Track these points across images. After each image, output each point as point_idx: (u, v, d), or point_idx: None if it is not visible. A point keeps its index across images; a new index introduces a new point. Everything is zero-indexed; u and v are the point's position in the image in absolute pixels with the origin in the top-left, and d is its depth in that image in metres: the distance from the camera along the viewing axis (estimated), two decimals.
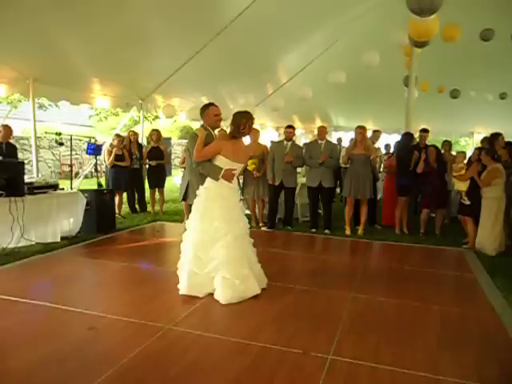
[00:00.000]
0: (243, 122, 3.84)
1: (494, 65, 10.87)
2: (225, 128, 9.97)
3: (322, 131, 7.12)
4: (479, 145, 8.13)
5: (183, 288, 3.78)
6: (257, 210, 7.50)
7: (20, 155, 14.80)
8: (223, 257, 3.70)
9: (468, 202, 6.15)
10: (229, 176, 3.86)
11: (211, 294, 3.74)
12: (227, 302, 3.60)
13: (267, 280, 4.08)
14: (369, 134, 7.75)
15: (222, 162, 3.84)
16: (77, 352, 2.80)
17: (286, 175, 6.98)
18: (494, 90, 11.52)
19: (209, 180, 3.89)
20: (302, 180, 7.80)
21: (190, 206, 4.07)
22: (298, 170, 8.06)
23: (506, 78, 11.07)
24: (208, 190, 3.87)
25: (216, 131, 4.33)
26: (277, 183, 6.97)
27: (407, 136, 7.27)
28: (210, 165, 3.88)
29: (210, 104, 4.24)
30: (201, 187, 3.92)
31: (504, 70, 10.91)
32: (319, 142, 7.04)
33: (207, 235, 3.77)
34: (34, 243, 5.49)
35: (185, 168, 7.31)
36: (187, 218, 4.08)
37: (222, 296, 3.63)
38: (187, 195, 4.49)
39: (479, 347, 3.06)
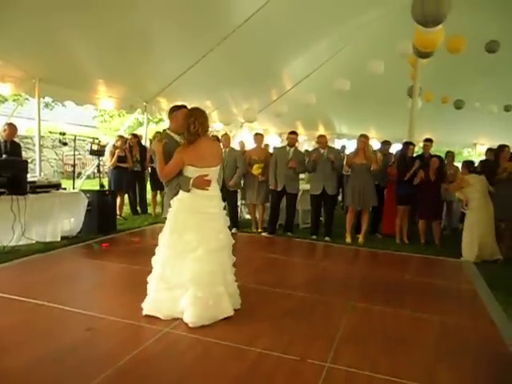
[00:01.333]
0: (191, 120, 3.38)
1: (500, 76, 10.90)
2: (228, 132, 10.05)
3: (323, 140, 7.10)
4: (483, 156, 8.13)
5: (146, 307, 3.40)
6: (257, 215, 7.49)
7: (23, 154, 14.85)
8: (194, 273, 3.28)
9: (465, 211, 6.25)
10: (202, 183, 3.42)
11: (175, 319, 3.32)
12: (195, 325, 3.19)
13: (241, 301, 3.66)
14: (378, 144, 7.74)
15: (189, 171, 3.42)
16: (74, 352, 2.80)
17: (288, 181, 6.98)
18: (498, 101, 11.54)
19: (181, 191, 3.48)
20: (304, 186, 7.80)
21: (166, 219, 3.61)
22: (301, 176, 8.08)
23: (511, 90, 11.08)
24: (180, 201, 3.45)
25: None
26: (279, 189, 6.96)
27: (404, 145, 7.29)
28: (179, 177, 3.48)
29: (180, 106, 3.70)
30: (174, 198, 3.49)
31: (509, 82, 10.93)
32: (320, 150, 7.03)
33: (176, 249, 3.37)
34: (34, 242, 5.50)
35: None
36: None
37: (191, 317, 3.21)
38: (164, 208, 3.96)
39: (477, 359, 3.05)
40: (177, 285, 3.33)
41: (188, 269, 3.31)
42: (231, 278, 3.60)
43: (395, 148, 8.96)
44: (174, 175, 3.49)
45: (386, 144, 8.07)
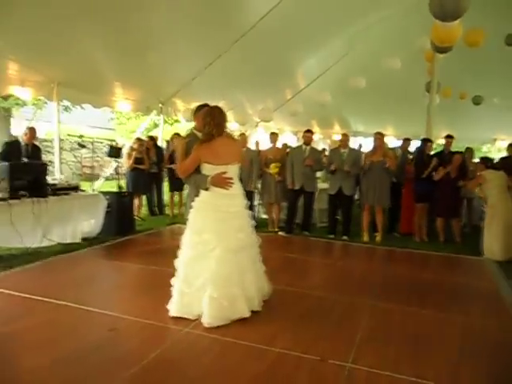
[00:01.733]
0: (207, 121, 3.40)
1: None
2: (243, 131, 10.05)
3: (345, 139, 7.06)
4: (503, 152, 7.97)
5: (173, 309, 3.40)
6: (273, 215, 7.48)
7: (43, 157, 15.14)
8: (211, 273, 3.29)
9: (484, 209, 6.14)
10: (220, 181, 3.40)
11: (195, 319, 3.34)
12: (210, 326, 3.20)
13: (262, 302, 3.61)
14: (398, 142, 7.61)
15: (206, 169, 3.43)
16: (98, 351, 2.84)
17: (306, 179, 6.97)
18: None
19: (202, 190, 3.48)
20: (321, 185, 7.76)
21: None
22: (318, 174, 8.04)
23: None
24: (200, 201, 3.47)
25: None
26: (297, 187, 6.94)
27: (422, 142, 7.18)
28: (196, 175, 3.49)
29: (205, 105, 3.73)
30: (196, 199, 3.51)
31: None
32: (341, 150, 6.98)
33: (196, 249, 3.39)
34: (55, 243, 5.59)
35: None
36: None
37: (207, 318, 3.23)
38: (186, 209, 3.94)
39: (502, 361, 2.99)
40: (198, 286, 3.33)
41: (205, 269, 3.32)
42: (251, 279, 3.51)
43: (414, 145, 8.82)
44: (191, 172, 3.50)
45: (406, 141, 7.96)
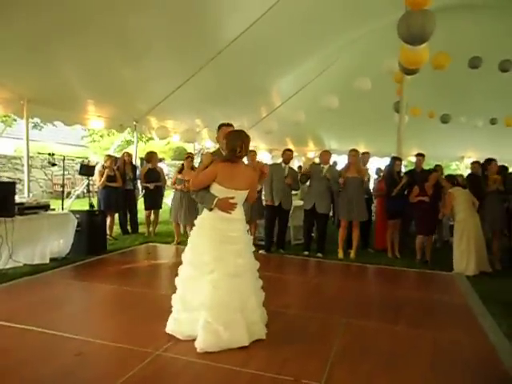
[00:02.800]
0: (239, 144, 3.36)
1: (484, 91, 11.17)
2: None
3: (325, 156, 7.11)
4: (469, 169, 8.22)
5: (168, 326, 3.41)
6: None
7: (12, 174, 14.75)
8: (207, 297, 3.22)
9: (452, 223, 6.29)
10: (225, 205, 3.35)
11: (185, 341, 3.25)
12: (203, 351, 3.08)
13: (266, 331, 3.46)
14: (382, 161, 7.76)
15: (216, 189, 3.37)
16: (64, 378, 2.73)
17: (284, 197, 7.01)
18: (484, 115, 11.78)
19: (205, 209, 3.47)
20: (296, 202, 7.80)
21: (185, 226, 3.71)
22: (293, 192, 8.10)
23: (496, 105, 11.35)
24: (202, 219, 3.47)
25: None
26: (276, 204, 6.96)
27: (392, 160, 7.35)
28: (205, 192, 3.43)
29: (222, 125, 3.81)
30: (198, 217, 3.53)
31: (493, 97, 11.20)
32: (321, 166, 7.04)
33: (195, 269, 3.35)
34: (22, 265, 5.39)
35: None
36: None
37: (199, 343, 3.12)
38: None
39: (473, 375, 3.03)
40: (196, 307, 3.28)
41: (203, 292, 3.25)
42: (253, 305, 3.43)
43: (384, 164, 9.02)
44: (203, 186, 3.45)
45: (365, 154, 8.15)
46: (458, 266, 6.03)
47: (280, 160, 7.46)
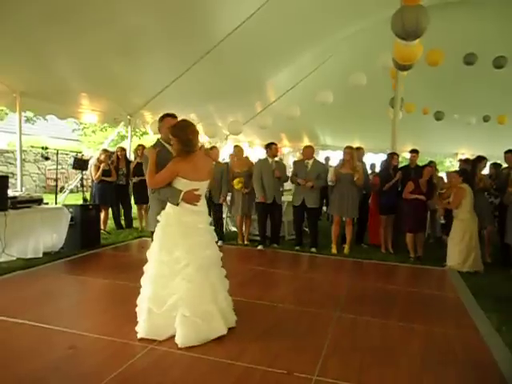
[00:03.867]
0: (188, 132, 3.32)
1: (477, 88, 11.21)
2: (208, 145, 10.06)
3: (308, 151, 7.12)
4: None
5: (141, 330, 3.23)
6: (243, 227, 7.47)
7: (4, 168, 14.64)
8: (183, 292, 3.20)
9: (443, 221, 6.28)
10: (191, 198, 3.35)
11: (173, 337, 3.19)
12: (184, 346, 3.09)
13: (236, 318, 3.56)
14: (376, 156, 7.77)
15: (180, 183, 3.35)
16: (57, 372, 2.73)
17: (277, 192, 7.02)
18: (477, 112, 11.84)
19: (169, 204, 3.40)
20: (288, 197, 7.82)
21: (152, 233, 3.54)
22: (287, 187, 8.11)
23: (489, 102, 11.41)
24: (167, 215, 3.38)
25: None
26: (269, 201, 6.96)
27: (389, 155, 7.37)
28: (168, 188, 3.39)
29: (166, 115, 3.74)
30: (162, 213, 3.42)
31: (487, 94, 11.26)
32: (305, 161, 7.06)
33: (167, 267, 3.27)
34: (15, 259, 5.37)
35: None
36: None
37: (180, 338, 3.12)
38: (147, 221, 3.87)
39: (463, 368, 3.06)
40: (170, 306, 3.22)
41: (177, 288, 3.23)
42: (223, 294, 3.49)
43: (378, 160, 9.07)
44: (164, 185, 3.40)
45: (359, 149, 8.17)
46: (454, 262, 6.00)
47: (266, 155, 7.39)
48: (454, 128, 12.68)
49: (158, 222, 3.41)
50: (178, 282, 3.23)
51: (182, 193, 3.33)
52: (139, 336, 3.22)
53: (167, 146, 3.63)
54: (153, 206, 3.67)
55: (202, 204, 3.49)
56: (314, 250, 6.90)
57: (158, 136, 3.97)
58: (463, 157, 12.24)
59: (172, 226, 3.35)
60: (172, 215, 3.37)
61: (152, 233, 3.53)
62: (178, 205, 3.35)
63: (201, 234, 3.41)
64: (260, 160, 7.45)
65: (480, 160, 6.96)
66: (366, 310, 4.19)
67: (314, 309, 4.14)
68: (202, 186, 3.45)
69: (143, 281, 3.39)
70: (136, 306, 3.43)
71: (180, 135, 3.31)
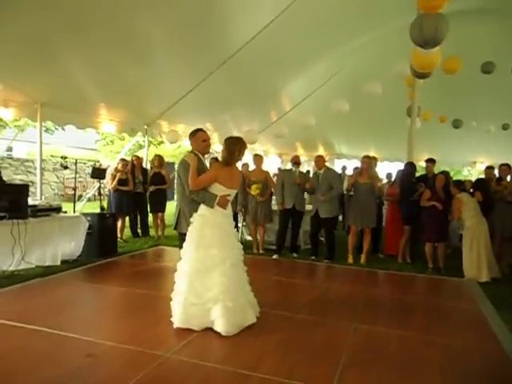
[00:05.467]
0: (237, 148, 3.86)
1: (496, 96, 11.06)
2: (216, 155, 10.11)
3: (318, 161, 7.09)
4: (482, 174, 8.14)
5: (178, 320, 3.60)
6: (258, 236, 7.45)
7: (24, 177, 14.95)
8: (222, 286, 3.58)
9: (461, 232, 6.20)
10: (224, 203, 3.83)
11: (208, 329, 3.55)
12: (227, 334, 3.47)
13: (259, 309, 3.96)
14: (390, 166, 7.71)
15: (217, 189, 3.82)
16: (74, 380, 2.75)
17: (297, 199, 7.01)
18: (495, 120, 11.66)
19: (203, 207, 3.82)
20: (306, 207, 7.79)
21: (182, 234, 3.98)
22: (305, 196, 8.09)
23: (508, 110, 11.23)
24: (203, 217, 3.79)
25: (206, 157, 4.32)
26: (289, 206, 6.95)
27: (410, 165, 7.28)
28: (205, 192, 3.83)
29: (199, 130, 4.23)
30: (195, 215, 3.82)
31: (506, 102, 11.09)
32: (317, 172, 7.06)
33: (203, 264, 3.65)
34: (34, 266, 5.44)
35: None
36: (181, 247, 3.89)
37: (223, 326, 3.48)
38: (179, 223, 4.16)
39: (484, 382, 2.98)
40: (208, 298, 3.56)
41: (217, 282, 3.58)
42: (248, 288, 3.92)
43: (394, 169, 8.97)
44: (202, 187, 3.82)
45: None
46: (469, 273, 5.93)
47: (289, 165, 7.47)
48: (472, 136, 12.49)
49: (190, 223, 3.80)
50: (217, 278, 3.60)
51: (218, 197, 3.78)
52: (175, 326, 3.57)
53: (201, 156, 4.11)
54: (184, 209, 4.03)
55: (229, 208, 3.97)
56: (327, 261, 6.81)
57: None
58: (483, 165, 12.07)
59: (209, 226, 3.76)
60: (208, 217, 3.79)
61: (180, 234, 4.03)
62: (213, 207, 3.79)
63: (230, 234, 3.90)
64: (284, 170, 7.51)
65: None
66: (383, 321, 4.12)
67: (331, 319, 4.09)
68: (233, 194, 3.96)
69: (177, 276, 3.78)
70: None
71: (230, 147, 3.86)
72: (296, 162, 7.23)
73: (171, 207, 9.21)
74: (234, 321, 3.53)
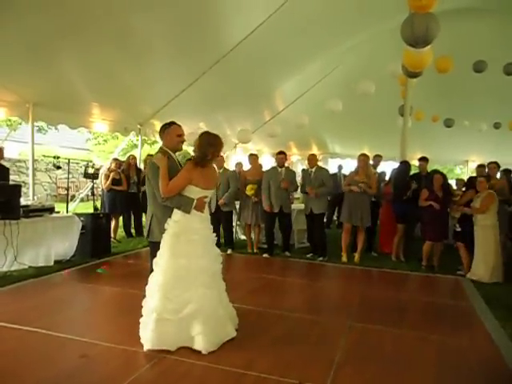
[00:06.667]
0: (211, 151, 3.41)
1: (487, 95, 11.15)
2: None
3: (310, 160, 7.14)
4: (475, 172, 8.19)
5: (149, 340, 3.14)
6: (252, 236, 7.46)
7: (17, 177, 14.80)
8: (203, 298, 3.23)
9: (459, 229, 6.18)
10: (201, 206, 3.41)
11: (183, 348, 3.19)
12: (207, 352, 3.13)
13: (238, 320, 3.65)
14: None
15: (193, 191, 3.39)
16: (69, 380, 2.74)
17: (284, 201, 7.00)
18: (487, 119, 11.75)
19: (178, 212, 3.38)
20: (299, 206, 7.80)
21: (154, 243, 3.50)
22: (296, 195, 8.10)
23: (500, 108, 11.32)
24: (178, 223, 3.36)
25: (178, 154, 3.77)
26: (276, 210, 6.94)
27: (404, 164, 7.32)
28: (180, 197, 3.38)
29: (172, 123, 3.69)
30: (168, 220, 3.38)
31: (498, 101, 11.18)
32: (309, 170, 7.09)
33: (179, 275, 3.25)
34: (27, 267, 5.41)
35: None
36: (152, 257, 3.44)
37: (204, 344, 3.14)
38: (151, 231, 3.60)
39: (478, 380, 3.01)
40: (186, 313, 3.20)
41: (195, 295, 3.24)
42: (226, 299, 3.59)
43: (388, 167, 9.02)
44: (177, 192, 3.38)
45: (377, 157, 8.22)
46: (481, 271, 5.74)
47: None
48: (465, 135, 12.58)
49: (164, 230, 3.39)
50: (195, 289, 3.25)
51: (195, 201, 3.38)
52: (146, 348, 3.15)
53: (172, 154, 3.64)
54: (158, 215, 3.54)
55: (207, 211, 3.56)
56: (320, 259, 6.83)
57: None
58: (474, 164, 12.17)
59: (185, 233, 3.35)
60: (184, 223, 3.37)
61: (153, 243, 3.52)
62: (190, 212, 3.37)
63: (209, 240, 3.51)
64: (269, 169, 7.43)
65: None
66: (378, 319, 4.14)
67: (326, 318, 4.11)
68: (210, 194, 3.56)
69: (149, 290, 3.36)
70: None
71: (204, 147, 3.40)
72: (280, 165, 7.13)
73: None
74: (215, 338, 3.22)
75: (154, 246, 3.47)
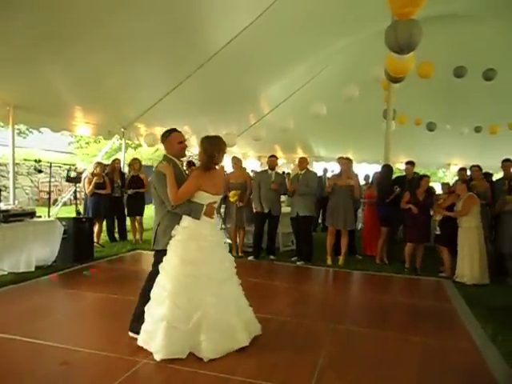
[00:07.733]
0: (216, 150, 3.41)
1: (468, 100, 11.37)
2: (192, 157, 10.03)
3: (300, 162, 7.21)
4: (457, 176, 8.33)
5: (159, 351, 3.07)
6: (237, 239, 7.44)
7: None
8: (208, 306, 3.19)
9: (438, 232, 6.26)
10: (211, 211, 3.42)
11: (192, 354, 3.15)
12: (208, 360, 3.09)
13: (260, 325, 3.58)
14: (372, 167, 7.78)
15: (202, 197, 3.37)
16: None
17: (272, 203, 7.02)
18: (468, 123, 11.98)
19: (187, 218, 3.36)
20: (284, 209, 7.82)
21: (159, 251, 3.44)
22: (282, 198, 8.11)
23: (480, 113, 11.56)
24: (188, 229, 3.34)
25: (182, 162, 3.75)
26: (266, 211, 6.97)
27: (387, 168, 7.40)
28: (190, 203, 3.37)
29: (173, 130, 3.63)
30: (177, 227, 3.36)
31: (478, 105, 11.42)
32: (298, 172, 7.14)
33: (189, 282, 3.22)
34: (6, 273, 5.30)
35: None
36: (156, 266, 3.40)
37: (205, 352, 3.11)
38: (157, 240, 3.52)
39: (459, 380, 3.05)
40: (194, 321, 3.16)
41: (204, 302, 3.21)
42: (244, 304, 3.53)
43: (372, 171, 9.11)
44: (186, 199, 3.36)
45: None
46: (467, 273, 5.79)
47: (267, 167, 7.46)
48: (447, 138, 12.79)
49: (170, 237, 3.36)
50: (204, 297, 3.22)
51: (205, 206, 3.37)
52: (158, 358, 3.06)
53: (177, 161, 3.60)
54: (166, 224, 3.45)
55: (215, 217, 3.56)
56: (301, 262, 6.83)
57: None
58: (456, 167, 12.36)
59: (195, 239, 3.33)
60: (192, 229, 3.36)
61: (158, 251, 3.46)
62: (200, 218, 3.37)
63: (217, 246, 3.47)
64: (260, 171, 7.48)
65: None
66: (361, 321, 4.17)
67: (310, 321, 4.12)
68: (218, 199, 3.55)
69: (155, 295, 3.28)
70: (129, 319, 3.37)
71: (209, 149, 3.40)
72: (271, 167, 7.23)
73: (149, 211, 9.13)
74: (219, 346, 3.16)
75: (160, 255, 3.41)
